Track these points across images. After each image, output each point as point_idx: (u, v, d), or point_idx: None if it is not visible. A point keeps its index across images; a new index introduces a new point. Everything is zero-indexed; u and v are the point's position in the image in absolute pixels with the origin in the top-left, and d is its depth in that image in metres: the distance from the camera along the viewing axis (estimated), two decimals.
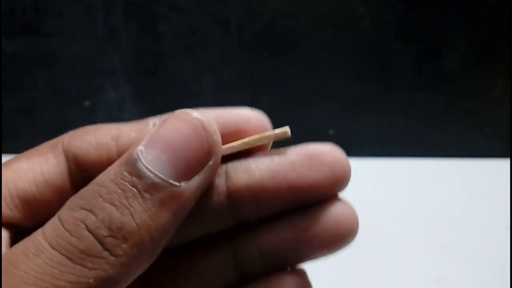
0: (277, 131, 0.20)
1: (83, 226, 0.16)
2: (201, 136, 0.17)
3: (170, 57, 0.64)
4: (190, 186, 0.17)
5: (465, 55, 0.65)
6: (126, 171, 0.16)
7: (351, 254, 0.51)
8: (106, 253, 0.15)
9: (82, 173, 0.20)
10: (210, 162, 0.18)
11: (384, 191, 0.60)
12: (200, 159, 0.17)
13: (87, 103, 0.65)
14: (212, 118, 0.19)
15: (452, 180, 0.63)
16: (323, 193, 0.19)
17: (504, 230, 0.53)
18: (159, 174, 0.16)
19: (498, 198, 0.58)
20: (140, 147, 0.17)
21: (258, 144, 0.20)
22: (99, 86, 0.65)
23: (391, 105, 0.67)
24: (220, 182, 0.19)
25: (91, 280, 0.15)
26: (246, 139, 0.20)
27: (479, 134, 0.68)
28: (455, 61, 0.65)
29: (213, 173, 0.18)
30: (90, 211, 0.16)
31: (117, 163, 0.17)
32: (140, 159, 0.16)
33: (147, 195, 0.16)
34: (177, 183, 0.17)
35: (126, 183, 0.16)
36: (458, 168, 0.65)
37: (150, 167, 0.16)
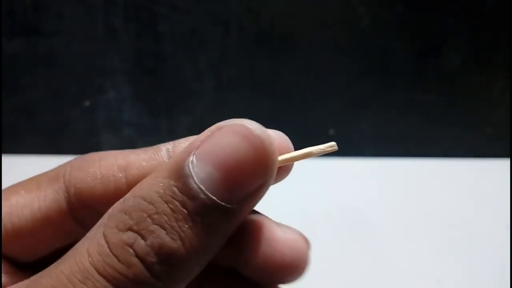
0: (326, 148, 0.19)
1: (131, 252, 0.15)
2: (260, 157, 0.15)
3: (170, 57, 0.64)
4: (242, 207, 0.16)
5: (465, 55, 0.65)
6: (176, 187, 0.15)
7: (351, 254, 0.51)
8: (153, 280, 0.15)
9: (85, 207, 0.19)
10: (265, 183, 0.16)
11: (384, 191, 0.60)
12: (255, 181, 0.16)
13: (87, 103, 0.65)
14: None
15: (452, 180, 0.63)
16: None
17: (504, 230, 0.53)
18: (213, 197, 0.15)
19: (498, 198, 0.58)
20: (191, 158, 0.15)
21: (307, 157, 0.19)
22: (99, 86, 0.65)
23: (391, 105, 0.67)
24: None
25: None
26: (294, 154, 0.18)
27: (479, 134, 0.68)
28: (455, 61, 0.65)
29: (265, 192, 0.16)
30: (138, 233, 0.15)
31: (164, 172, 0.15)
32: (192, 175, 0.15)
33: (198, 218, 0.15)
34: (229, 206, 0.15)
35: (177, 203, 0.15)
36: (458, 168, 0.65)
37: (203, 187, 0.15)
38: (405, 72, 0.66)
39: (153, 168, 0.18)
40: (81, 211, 0.19)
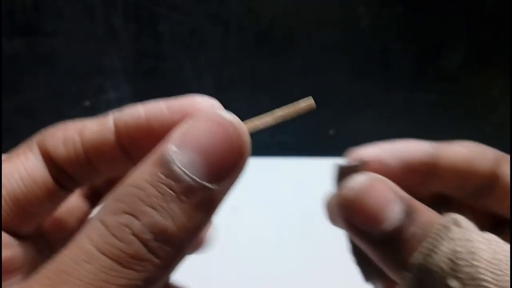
0: (303, 103, 0.21)
1: (128, 231, 0.16)
2: (233, 139, 0.18)
3: (170, 57, 0.64)
4: (222, 187, 0.18)
5: (465, 55, 0.65)
6: (161, 173, 0.17)
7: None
8: (151, 256, 0.16)
9: (56, 168, 0.21)
10: (240, 163, 0.18)
11: None
12: (232, 161, 0.18)
13: (87, 103, 0.65)
14: (164, 106, 0.20)
15: None
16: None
17: None
18: (195, 178, 0.17)
19: None
20: (172, 147, 0.17)
21: (288, 117, 0.21)
22: (99, 86, 0.65)
23: (391, 105, 0.67)
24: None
25: (140, 282, 0.16)
26: (273, 114, 0.20)
27: (479, 134, 0.68)
28: (455, 61, 0.65)
29: (242, 172, 0.19)
30: (133, 215, 0.16)
31: (149, 162, 0.17)
32: (174, 160, 0.17)
33: (184, 198, 0.17)
34: (211, 186, 0.17)
35: (164, 186, 0.17)
36: None
37: (185, 170, 0.17)
38: (405, 72, 0.66)
39: (102, 130, 0.20)
40: (54, 170, 0.21)
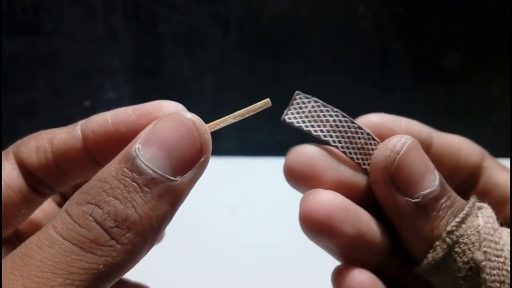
0: (259, 103, 0.23)
1: (91, 218, 0.17)
2: (194, 136, 0.19)
3: (170, 57, 0.64)
4: (185, 180, 0.19)
5: (465, 55, 0.65)
6: (126, 168, 0.18)
7: None
8: (113, 242, 0.17)
9: (30, 175, 0.22)
10: (202, 158, 0.19)
11: None
12: (193, 156, 0.19)
13: (87, 103, 0.65)
14: (131, 111, 0.21)
15: None
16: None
17: None
18: (157, 170, 0.18)
19: None
20: (137, 145, 0.18)
21: (246, 115, 0.22)
22: (99, 86, 0.65)
23: (391, 105, 0.67)
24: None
25: (101, 266, 0.17)
26: (234, 114, 0.22)
27: (479, 134, 0.67)
28: (455, 61, 0.65)
29: (205, 167, 0.20)
30: (96, 205, 0.18)
31: (115, 160, 0.19)
32: (138, 156, 0.18)
33: (147, 189, 0.18)
34: (173, 178, 0.18)
35: (127, 179, 0.18)
36: None
37: (148, 164, 0.18)
38: (405, 72, 0.66)
39: (70, 138, 0.22)
40: (29, 178, 0.22)
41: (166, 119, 0.19)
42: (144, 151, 0.18)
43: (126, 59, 0.64)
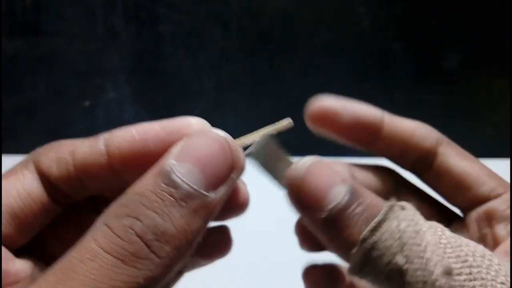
0: (282, 122, 0.23)
1: (132, 231, 0.18)
2: (226, 153, 0.20)
3: (170, 57, 0.64)
4: (217, 195, 0.19)
5: (465, 55, 0.65)
6: (162, 182, 0.18)
7: None
8: (152, 255, 0.18)
9: (50, 185, 0.22)
10: (233, 175, 0.20)
11: None
12: (225, 172, 0.20)
13: (87, 103, 0.65)
14: (159, 128, 0.21)
15: None
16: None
17: None
18: (193, 185, 0.19)
19: None
20: (171, 161, 0.19)
21: (268, 134, 0.23)
22: (99, 86, 0.65)
23: (391, 105, 0.67)
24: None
25: (141, 280, 0.17)
26: (259, 132, 0.23)
27: (479, 134, 0.68)
28: (455, 61, 0.65)
29: (235, 183, 0.21)
30: (136, 218, 0.18)
31: (151, 175, 0.19)
32: (174, 171, 0.19)
33: (183, 203, 0.18)
34: (207, 193, 0.19)
35: (165, 193, 0.18)
36: None
37: (184, 179, 0.19)
38: (405, 72, 0.66)
39: (93, 152, 0.22)
40: (49, 188, 0.22)
41: (199, 136, 0.20)
42: (179, 166, 0.19)
43: (126, 59, 0.64)
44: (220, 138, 0.20)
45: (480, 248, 0.20)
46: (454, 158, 0.26)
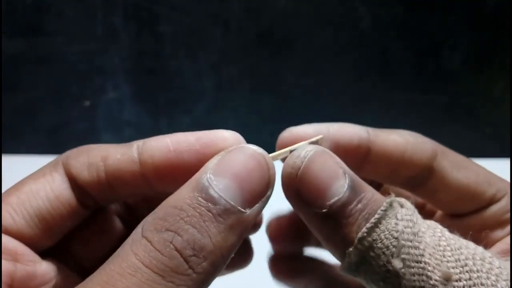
0: (314, 139, 0.22)
1: (172, 246, 0.18)
2: (264, 170, 0.20)
3: (170, 57, 0.64)
4: (253, 212, 0.19)
5: (465, 55, 0.65)
6: (200, 197, 0.18)
7: None
8: (190, 271, 0.18)
9: (79, 189, 0.22)
10: (268, 192, 0.20)
11: None
12: (262, 190, 0.20)
13: (87, 103, 0.65)
14: (193, 139, 0.21)
15: None
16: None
17: None
18: (230, 202, 0.19)
19: None
20: (208, 175, 0.19)
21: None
22: (99, 86, 0.65)
23: (391, 105, 0.67)
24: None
25: None
26: (288, 148, 0.22)
27: (479, 134, 0.68)
28: (455, 61, 0.65)
29: (268, 200, 0.20)
30: (176, 232, 0.18)
31: (187, 188, 0.19)
32: (211, 186, 0.19)
33: (220, 219, 0.18)
34: (243, 210, 0.19)
35: (203, 208, 0.18)
36: None
37: (222, 194, 0.19)
38: (405, 72, 0.66)
39: (126, 160, 0.21)
40: (78, 192, 0.22)
41: (237, 151, 0.20)
42: (217, 181, 0.19)
43: (126, 59, 0.64)
44: (258, 154, 0.20)
45: (480, 250, 0.19)
46: (451, 171, 0.24)
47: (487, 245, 0.22)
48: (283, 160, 0.22)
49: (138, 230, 0.19)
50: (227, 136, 0.21)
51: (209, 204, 0.18)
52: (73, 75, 0.65)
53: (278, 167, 0.21)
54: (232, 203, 0.19)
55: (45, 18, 0.62)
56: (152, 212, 0.19)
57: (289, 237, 0.28)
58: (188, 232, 0.18)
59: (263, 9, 0.63)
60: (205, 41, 0.64)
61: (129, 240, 0.18)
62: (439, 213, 0.27)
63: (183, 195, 0.19)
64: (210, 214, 0.18)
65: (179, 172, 0.21)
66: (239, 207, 0.19)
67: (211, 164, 0.19)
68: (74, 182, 0.22)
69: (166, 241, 0.18)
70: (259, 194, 0.19)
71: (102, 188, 0.22)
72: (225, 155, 0.20)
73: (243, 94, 0.66)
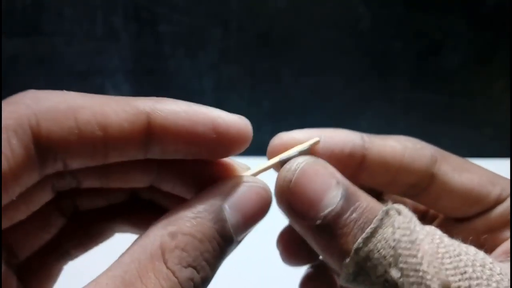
0: (311, 141, 0.22)
1: (192, 284, 0.19)
2: (267, 207, 0.21)
3: (170, 57, 0.64)
4: (242, 237, 0.21)
5: (465, 55, 0.65)
6: (216, 230, 0.19)
7: None
8: None
9: (56, 158, 0.18)
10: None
11: None
12: (258, 219, 0.21)
13: None
14: (210, 117, 0.21)
15: None
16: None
17: None
18: (236, 238, 0.20)
19: None
20: (226, 207, 0.20)
21: (293, 156, 0.22)
22: (99, 86, 0.65)
23: (391, 105, 0.67)
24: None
25: None
26: (278, 157, 0.22)
27: (479, 134, 0.68)
28: (455, 61, 0.65)
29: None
30: (195, 269, 0.19)
31: (206, 214, 0.19)
32: (227, 220, 0.19)
33: (224, 253, 0.20)
34: (238, 240, 0.20)
35: (215, 243, 0.19)
36: None
37: (232, 231, 0.20)
38: (405, 72, 0.66)
39: (134, 131, 0.19)
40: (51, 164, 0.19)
41: (251, 188, 0.21)
42: (231, 216, 0.20)
43: (126, 59, 0.64)
44: (269, 196, 0.21)
45: (480, 256, 0.19)
46: (453, 175, 0.23)
47: (493, 246, 0.22)
48: (275, 169, 0.22)
49: (156, 251, 0.18)
50: (241, 126, 0.22)
51: (221, 240, 0.19)
52: (73, 75, 0.65)
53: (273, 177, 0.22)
54: (236, 238, 0.20)
55: (45, 18, 0.62)
56: (173, 232, 0.19)
57: (299, 250, 0.27)
58: (204, 269, 0.19)
59: (263, 9, 0.63)
60: (205, 41, 0.64)
61: (142, 256, 0.18)
62: (442, 216, 0.26)
63: (203, 224, 0.19)
64: (219, 249, 0.19)
65: (187, 141, 0.20)
66: (238, 238, 0.20)
67: (226, 190, 0.20)
68: (47, 149, 0.18)
69: (189, 280, 0.18)
70: (254, 223, 0.21)
71: (94, 147, 0.19)
72: (240, 188, 0.20)
73: (243, 94, 0.66)
